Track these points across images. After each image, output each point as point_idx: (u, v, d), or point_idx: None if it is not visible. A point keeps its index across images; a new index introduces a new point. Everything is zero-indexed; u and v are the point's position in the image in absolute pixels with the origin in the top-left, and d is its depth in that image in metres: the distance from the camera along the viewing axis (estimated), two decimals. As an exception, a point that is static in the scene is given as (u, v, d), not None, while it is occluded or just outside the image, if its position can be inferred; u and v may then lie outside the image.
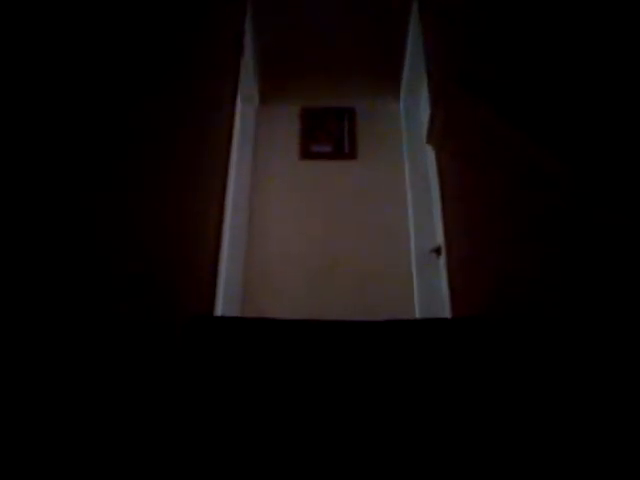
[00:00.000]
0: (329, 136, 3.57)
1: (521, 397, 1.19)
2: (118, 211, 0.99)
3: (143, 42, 1.15)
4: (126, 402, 1.02)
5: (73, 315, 0.80)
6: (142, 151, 1.14)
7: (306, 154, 3.48)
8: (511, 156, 1.26)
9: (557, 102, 1.08)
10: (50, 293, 0.74)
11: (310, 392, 1.32)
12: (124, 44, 1.03)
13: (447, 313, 2.06)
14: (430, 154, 2.73)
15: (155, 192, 1.23)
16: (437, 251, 2.81)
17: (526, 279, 1.19)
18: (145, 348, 1.14)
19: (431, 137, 2.14)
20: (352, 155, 3.49)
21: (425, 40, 2.55)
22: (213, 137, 1.97)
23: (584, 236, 0.88)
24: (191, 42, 1.61)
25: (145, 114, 1.16)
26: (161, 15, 1.29)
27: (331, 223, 3.19)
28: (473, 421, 1.23)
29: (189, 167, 1.58)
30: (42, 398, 0.71)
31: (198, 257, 1.73)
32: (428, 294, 2.78)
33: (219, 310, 2.49)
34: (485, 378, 1.35)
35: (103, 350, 0.92)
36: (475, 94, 1.58)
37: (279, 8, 3.05)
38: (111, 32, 0.98)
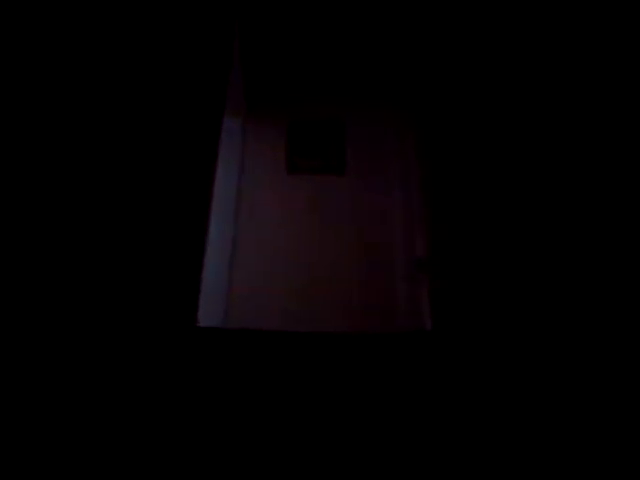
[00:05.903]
0: (317, 150, 3.60)
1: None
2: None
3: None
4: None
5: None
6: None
7: (293, 168, 3.50)
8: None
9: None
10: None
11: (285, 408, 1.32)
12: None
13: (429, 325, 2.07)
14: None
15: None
16: (421, 264, 2.84)
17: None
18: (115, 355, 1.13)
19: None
20: (340, 169, 3.51)
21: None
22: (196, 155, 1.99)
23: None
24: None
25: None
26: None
27: (318, 234, 3.20)
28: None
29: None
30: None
31: (178, 267, 1.73)
32: (412, 307, 2.80)
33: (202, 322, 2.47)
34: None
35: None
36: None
37: (267, 24, 3.11)
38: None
